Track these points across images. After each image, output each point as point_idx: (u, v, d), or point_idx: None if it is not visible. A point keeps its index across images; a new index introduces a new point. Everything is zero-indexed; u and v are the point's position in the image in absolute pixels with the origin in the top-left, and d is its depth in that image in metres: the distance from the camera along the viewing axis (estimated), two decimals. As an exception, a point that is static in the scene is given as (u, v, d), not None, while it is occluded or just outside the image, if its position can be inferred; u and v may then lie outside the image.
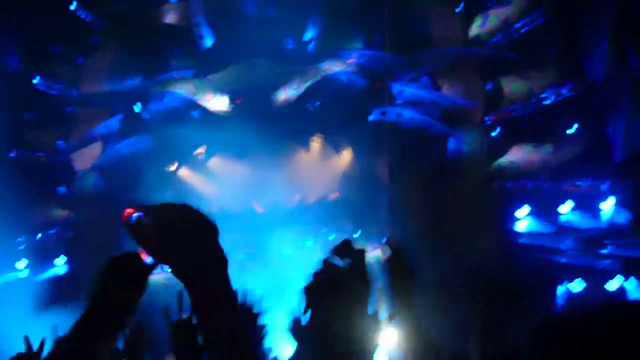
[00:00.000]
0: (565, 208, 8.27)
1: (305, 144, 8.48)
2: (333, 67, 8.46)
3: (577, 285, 7.91)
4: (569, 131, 8.36)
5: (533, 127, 8.59)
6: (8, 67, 9.48)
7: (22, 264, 8.84)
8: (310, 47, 8.82)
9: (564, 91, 8.33)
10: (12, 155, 9.35)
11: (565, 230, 8.34)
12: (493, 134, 8.81)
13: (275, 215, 8.59)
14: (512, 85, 8.59)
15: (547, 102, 8.44)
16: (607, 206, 7.95)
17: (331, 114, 8.36)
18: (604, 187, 7.88)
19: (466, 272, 7.97)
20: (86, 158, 9.12)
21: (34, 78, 9.40)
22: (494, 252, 8.08)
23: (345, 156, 8.90)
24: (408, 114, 8.48)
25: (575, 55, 8.52)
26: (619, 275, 7.74)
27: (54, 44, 9.68)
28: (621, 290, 7.93)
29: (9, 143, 9.39)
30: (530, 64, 8.45)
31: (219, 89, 8.06)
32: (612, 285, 7.86)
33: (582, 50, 8.47)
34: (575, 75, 8.27)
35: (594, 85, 8.03)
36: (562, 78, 8.28)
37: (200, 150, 8.57)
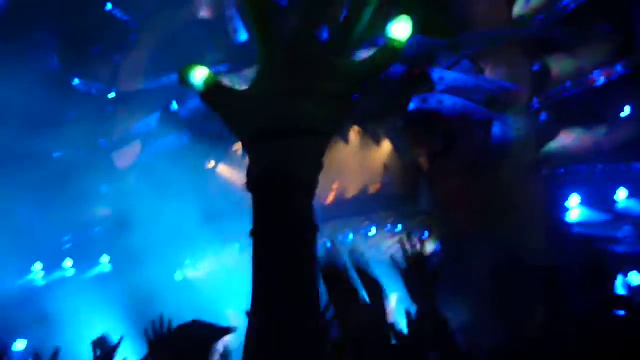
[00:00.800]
0: (622, 194, 7.80)
1: (343, 135, 8.27)
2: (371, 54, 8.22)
3: (637, 277, 7.46)
4: (622, 113, 7.89)
5: (584, 108, 8.14)
6: (48, 69, 9.68)
7: (68, 262, 9.05)
8: (346, 35, 8.62)
9: (618, 68, 7.84)
10: (55, 155, 9.59)
11: (622, 217, 7.89)
12: (542, 117, 8.39)
13: (316, 209, 8.45)
14: (560, 65, 8.14)
15: (599, 82, 7.97)
16: (668, 190, 7.47)
17: (369, 103, 8.12)
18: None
19: (515, 265, 7.66)
20: (127, 156, 9.23)
21: (74, 79, 9.58)
22: (544, 242, 7.72)
23: (385, 147, 8.66)
24: (450, 100, 8.14)
25: (628, 31, 8.02)
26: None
27: (92, 45, 9.84)
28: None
29: (52, 143, 9.63)
30: (579, 42, 7.98)
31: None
32: (676, 275, 7.40)
33: (635, 25, 7.97)
34: (627, 52, 7.78)
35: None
36: (613, 56, 7.79)
37: (238, 145, 8.49)
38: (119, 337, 4.26)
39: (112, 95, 9.85)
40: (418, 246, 2.36)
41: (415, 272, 2.22)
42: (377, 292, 2.07)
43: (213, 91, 1.04)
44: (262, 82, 0.98)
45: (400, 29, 0.94)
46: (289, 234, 0.94)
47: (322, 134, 0.96)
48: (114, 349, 4.00)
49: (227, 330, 3.02)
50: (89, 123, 9.87)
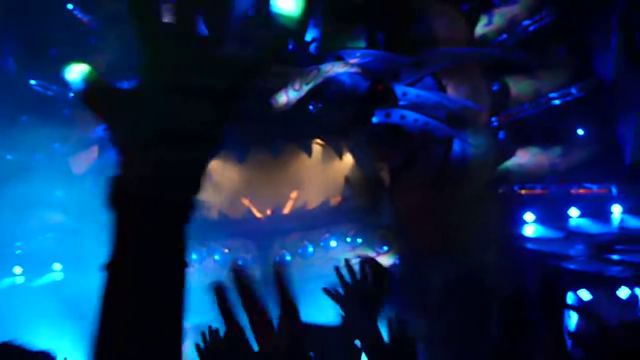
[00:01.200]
0: (575, 212, 8.05)
1: (306, 147, 8.27)
2: (335, 68, 8.23)
3: (586, 294, 7.69)
4: (578, 133, 8.17)
5: (541, 128, 8.39)
6: (4, 68, 9.35)
7: (18, 269, 8.73)
8: (312, 48, 8.61)
9: (573, 91, 8.11)
10: (8, 157, 9.26)
11: (574, 235, 8.13)
12: (500, 135, 8.60)
13: (275, 220, 8.42)
14: (519, 86, 8.37)
15: (556, 102, 8.22)
16: (618, 210, 7.73)
17: (333, 116, 8.16)
18: (615, 190, 7.67)
19: (471, 278, 7.79)
20: (83, 162, 8.97)
21: (31, 80, 9.28)
22: (500, 257, 7.88)
23: (347, 160, 8.70)
24: (412, 115, 8.25)
25: (584, 55, 8.32)
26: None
27: (51, 46, 9.55)
28: (633, 298, 7.73)
29: (6, 145, 9.30)
30: (538, 64, 8.23)
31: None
32: (623, 293, 7.65)
33: (591, 49, 8.27)
34: (584, 75, 8.06)
35: (602, 85, 7.82)
36: (570, 78, 8.06)
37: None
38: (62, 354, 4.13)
39: (70, 97, 9.57)
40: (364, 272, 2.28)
41: (355, 303, 2.18)
42: (292, 314, 2.02)
43: (94, 90, 0.94)
44: (146, 80, 0.88)
45: (287, 1, 0.81)
46: (152, 269, 0.79)
47: (208, 141, 0.85)
48: None
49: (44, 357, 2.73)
50: (44, 126, 9.58)
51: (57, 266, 8.78)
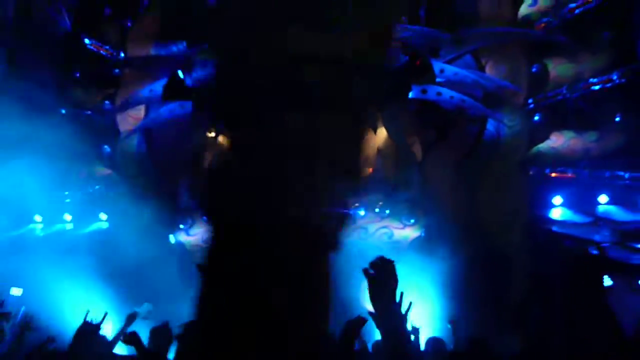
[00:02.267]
0: (604, 199, 8.07)
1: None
2: (375, 41, 8.36)
3: (607, 280, 7.76)
4: (615, 119, 8.11)
5: (578, 112, 8.35)
6: (61, 28, 9.84)
7: (67, 216, 9.37)
8: (354, 21, 8.76)
9: (614, 77, 8.03)
10: (62, 111, 9.82)
11: (602, 221, 8.17)
12: (535, 117, 8.61)
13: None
14: (559, 69, 8.32)
15: (595, 87, 8.16)
16: (648, 200, 7.73)
17: (371, 89, 8.33)
18: (646, 180, 7.65)
19: (495, 256, 7.97)
20: (130, 120, 9.45)
21: (84, 39, 9.75)
22: (525, 238, 8.02)
23: (381, 133, 8.88)
24: (448, 93, 8.34)
25: (629, 41, 8.18)
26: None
27: (105, 6, 9.98)
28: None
29: (60, 100, 9.86)
30: (581, 47, 8.14)
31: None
32: (645, 281, 7.72)
33: (636, 35, 8.12)
34: (626, 62, 7.95)
35: (645, 72, 7.72)
36: (612, 64, 7.97)
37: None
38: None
39: (120, 57, 10.02)
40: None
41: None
42: None
43: None
44: None
45: None
46: None
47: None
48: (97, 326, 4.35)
49: None
50: (96, 83, 10.10)
51: (103, 216, 9.37)
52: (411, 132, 8.79)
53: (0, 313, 5.31)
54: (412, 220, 8.68)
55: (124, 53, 9.89)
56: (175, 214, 8.64)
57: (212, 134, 8.75)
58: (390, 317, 2.30)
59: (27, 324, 5.16)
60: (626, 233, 7.93)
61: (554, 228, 8.25)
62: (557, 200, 8.26)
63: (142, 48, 9.74)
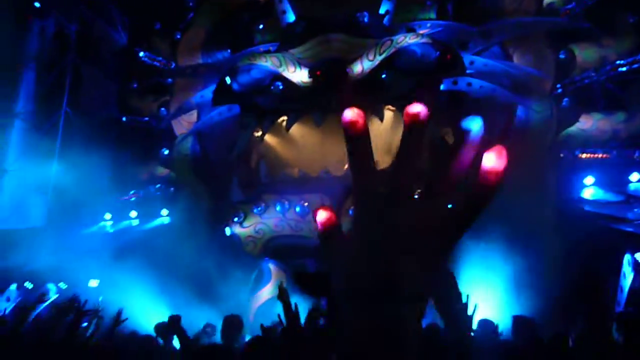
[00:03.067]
0: (635, 177, 8.34)
1: (379, 113, 9.02)
2: (407, 39, 8.83)
3: (641, 257, 8.06)
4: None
5: (605, 95, 8.63)
6: (118, 43, 10.84)
7: (133, 213, 10.38)
8: (386, 20, 9.28)
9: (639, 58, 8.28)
10: (123, 119, 10.84)
11: (633, 199, 8.43)
12: (564, 102, 8.93)
13: (348, 178, 9.28)
14: (585, 53, 8.63)
15: (622, 69, 8.43)
16: (678, 176, 7.96)
17: (404, 85, 8.82)
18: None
19: (528, 237, 8.35)
20: (185, 124, 10.32)
21: (139, 52, 10.71)
22: (558, 218, 8.36)
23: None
24: (478, 83, 8.77)
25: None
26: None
27: (156, 21, 10.91)
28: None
29: (121, 109, 10.89)
30: (605, 32, 8.41)
31: (300, 62, 8.75)
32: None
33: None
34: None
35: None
36: (637, 45, 8.22)
37: (284, 117, 9.40)
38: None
39: (172, 67, 10.92)
40: None
41: None
42: None
43: (330, 233, 0.91)
44: (357, 231, 0.89)
45: (493, 159, 0.81)
46: None
47: (415, 299, 0.81)
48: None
49: None
50: (151, 92, 11.06)
51: (164, 212, 10.31)
52: (444, 123, 9.26)
53: (90, 310, 5.23)
54: (449, 206, 9.13)
55: (175, 63, 10.77)
56: (229, 208, 9.41)
57: (259, 133, 9.46)
58: (459, 322, 2.37)
59: (118, 319, 5.10)
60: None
61: (587, 207, 8.57)
62: (589, 180, 8.57)
63: (190, 57, 10.60)
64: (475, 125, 0.91)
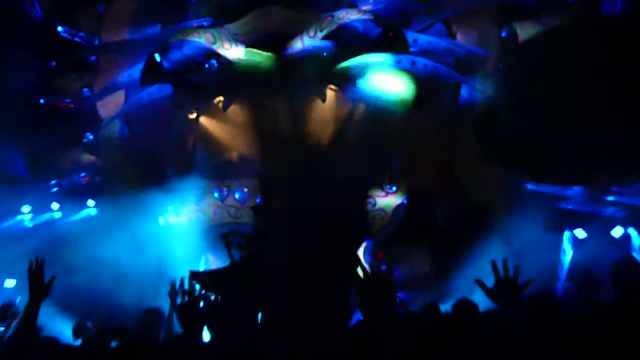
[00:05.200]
0: (574, 156, 8.42)
1: (321, 93, 8.67)
2: (349, 15, 8.51)
3: (581, 232, 8.17)
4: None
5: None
6: (32, 16, 9.79)
7: (55, 205, 9.48)
8: (327, -6, 8.89)
9: (581, 37, 8.30)
10: (41, 101, 9.85)
11: (574, 177, 8.53)
12: (507, 81, 8.88)
13: (289, 160, 8.93)
14: (527, 32, 8.57)
15: (563, 49, 8.43)
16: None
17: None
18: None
19: (475, 214, 8.32)
20: (111, 106, 9.52)
21: (58, 27, 9.73)
22: (503, 197, 8.37)
23: (360, 105, 9.08)
24: (422, 61, 8.56)
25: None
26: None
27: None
28: (626, 237, 8.19)
29: (38, 90, 9.88)
30: (545, 9, 8.39)
31: (236, 38, 8.25)
32: (617, 232, 8.11)
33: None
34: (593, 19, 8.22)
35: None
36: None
37: (220, 97, 8.85)
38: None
39: (95, 43, 10.04)
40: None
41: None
42: None
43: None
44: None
45: None
46: None
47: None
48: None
49: None
50: (72, 71, 10.11)
51: (90, 202, 9.49)
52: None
53: (7, 311, 4.95)
54: (394, 188, 8.93)
55: (99, 39, 9.91)
56: (163, 197, 8.79)
57: (194, 115, 8.87)
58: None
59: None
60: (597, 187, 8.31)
61: (529, 186, 8.60)
62: (531, 159, 8.58)
63: (116, 33, 9.78)
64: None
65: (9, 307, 4.28)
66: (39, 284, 3.26)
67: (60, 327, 6.29)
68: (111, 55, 9.77)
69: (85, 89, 9.81)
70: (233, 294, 2.98)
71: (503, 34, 8.68)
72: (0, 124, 9.19)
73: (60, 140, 9.67)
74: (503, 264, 2.45)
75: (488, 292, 2.42)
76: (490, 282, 2.50)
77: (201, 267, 8.78)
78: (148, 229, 8.58)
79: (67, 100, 9.83)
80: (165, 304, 5.82)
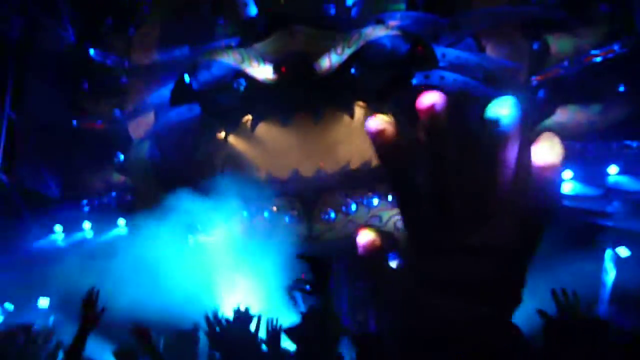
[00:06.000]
0: (613, 170, 8.14)
1: (349, 110, 8.61)
2: (376, 31, 8.45)
3: (624, 251, 7.83)
4: (618, 90, 8.16)
5: (580, 86, 8.41)
6: (65, 40, 10.03)
7: (87, 225, 9.58)
8: (353, 12, 8.86)
9: (615, 47, 8.07)
10: (74, 123, 10.02)
11: (613, 192, 8.23)
12: (539, 94, 8.67)
13: (319, 179, 8.87)
14: (559, 44, 8.38)
15: (597, 59, 8.21)
16: (657, 168, 7.79)
17: (374, 79, 8.44)
18: (654, 148, 7.72)
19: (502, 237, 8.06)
20: (141, 127, 9.63)
21: (90, 50, 9.93)
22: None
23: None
24: (451, 76, 8.44)
25: (628, 11, 8.22)
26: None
27: (107, 16, 10.15)
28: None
29: (70, 112, 10.06)
30: (579, 21, 8.20)
31: (264, 58, 8.26)
32: (661, 249, 7.76)
33: (634, 6, 8.16)
34: (626, 32, 8.00)
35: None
36: (612, 35, 8.02)
37: (248, 117, 8.87)
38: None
39: (126, 65, 10.19)
40: None
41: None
42: None
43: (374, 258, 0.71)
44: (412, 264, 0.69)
45: (547, 149, 0.62)
46: None
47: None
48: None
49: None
50: (103, 93, 10.29)
51: (121, 222, 9.56)
52: (417, 119, 8.89)
53: (21, 326, 4.83)
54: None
55: (129, 61, 10.06)
56: (192, 216, 8.79)
57: (222, 135, 8.90)
58: None
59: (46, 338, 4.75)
60: (638, 202, 8.00)
61: (566, 202, 8.32)
62: (567, 174, 8.32)
63: (146, 55, 9.92)
64: (506, 109, 0.65)
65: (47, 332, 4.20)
66: (92, 315, 3.25)
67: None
68: (141, 76, 9.89)
69: (116, 110, 9.95)
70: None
71: (534, 47, 8.49)
72: (33, 146, 9.40)
73: (92, 161, 9.81)
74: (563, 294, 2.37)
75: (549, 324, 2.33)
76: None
77: (232, 287, 8.75)
78: (177, 249, 8.58)
79: (99, 122, 9.97)
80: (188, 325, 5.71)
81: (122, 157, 9.72)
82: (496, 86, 8.51)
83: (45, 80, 9.59)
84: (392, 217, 9.32)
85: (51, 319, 8.53)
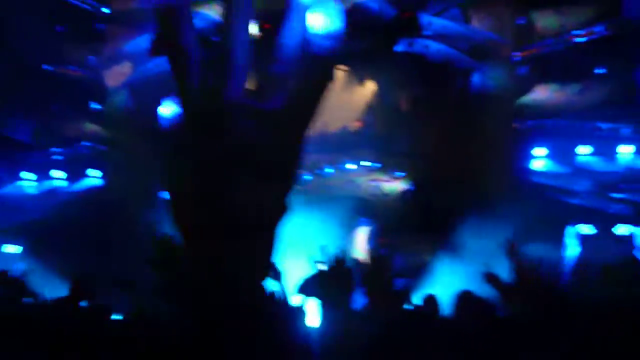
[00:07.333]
0: (584, 149, 8.31)
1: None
2: (363, -7, 8.28)
3: (587, 228, 8.06)
4: (598, 72, 8.25)
5: (563, 65, 8.46)
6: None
7: (58, 173, 9.41)
8: (341, -28, 8.64)
9: (599, 29, 8.11)
10: (45, 67, 9.67)
11: (581, 172, 8.43)
12: (521, 70, 8.71)
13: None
14: (544, 21, 8.38)
15: (580, 40, 8.25)
16: (626, 150, 7.97)
17: (357, 43, 8.31)
18: (625, 131, 7.87)
19: (476, 206, 8.22)
20: (117, 76, 9.36)
21: (66, -9, 9.49)
22: (507, 188, 8.27)
23: (369, 87, 8.94)
24: (435, 46, 8.37)
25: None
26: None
27: (86, -42, 9.68)
28: (630, 236, 8.09)
29: (44, 57, 9.69)
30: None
31: (247, 13, 8.05)
32: (621, 230, 8.01)
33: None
34: (611, 14, 8.03)
35: (629, 24, 7.81)
36: (597, 16, 8.04)
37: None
38: None
39: (104, 11, 9.80)
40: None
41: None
42: None
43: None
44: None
45: None
46: None
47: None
48: None
49: None
50: (79, 38, 9.91)
51: (92, 172, 9.41)
52: (399, 86, 8.86)
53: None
54: (401, 174, 8.85)
55: (108, 7, 9.68)
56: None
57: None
58: None
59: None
60: (605, 183, 8.21)
61: (535, 179, 8.51)
62: (540, 151, 8.47)
63: (126, 2, 9.55)
64: None
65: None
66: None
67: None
68: (119, 24, 9.55)
69: (91, 57, 9.64)
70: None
71: (519, 22, 8.47)
72: (6, 90, 9.09)
73: (66, 108, 9.56)
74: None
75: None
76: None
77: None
78: (148, 202, 8.53)
79: (73, 68, 9.66)
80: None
81: (96, 106, 9.48)
82: (479, 59, 8.50)
83: (19, 23, 9.19)
84: (368, 183, 9.39)
85: (19, 266, 8.45)
